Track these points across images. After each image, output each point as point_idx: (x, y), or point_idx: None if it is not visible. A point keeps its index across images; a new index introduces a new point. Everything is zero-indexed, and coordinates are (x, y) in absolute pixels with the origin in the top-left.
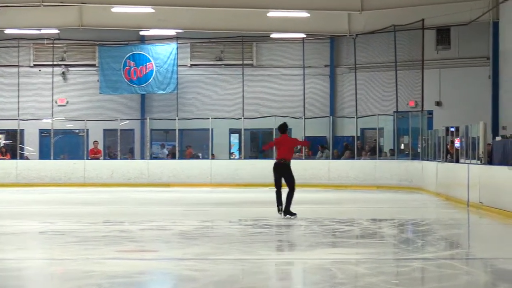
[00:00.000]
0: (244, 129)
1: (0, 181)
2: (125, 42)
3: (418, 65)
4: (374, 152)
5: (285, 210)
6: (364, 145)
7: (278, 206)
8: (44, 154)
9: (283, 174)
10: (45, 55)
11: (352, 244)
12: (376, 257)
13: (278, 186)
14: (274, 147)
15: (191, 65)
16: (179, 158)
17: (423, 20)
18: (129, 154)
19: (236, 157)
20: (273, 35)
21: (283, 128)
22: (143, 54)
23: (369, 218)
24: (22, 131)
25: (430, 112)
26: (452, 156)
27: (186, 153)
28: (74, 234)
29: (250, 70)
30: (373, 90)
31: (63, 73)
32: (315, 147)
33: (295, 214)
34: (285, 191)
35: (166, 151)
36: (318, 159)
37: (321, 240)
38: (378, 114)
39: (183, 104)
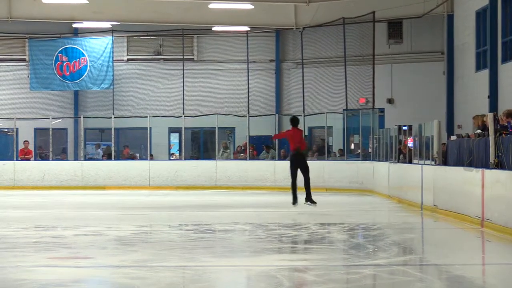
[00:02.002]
0: (185, 128)
1: None
2: (57, 35)
3: (369, 60)
4: (322, 152)
5: (307, 197)
6: (312, 144)
7: (294, 197)
8: None
9: (301, 164)
10: None
11: (299, 250)
12: (325, 263)
13: (294, 177)
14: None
15: (128, 59)
16: (115, 159)
17: (373, 12)
18: (62, 154)
19: (176, 158)
20: (215, 28)
21: (296, 121)
22: (76, 48)
23: (318, 222)
24: None
25: (382, 110)
26: (405, 156)
27: (123, 154)
28: (3, 240)
29: (191, 65)
30: (322, 86)
31: None
32: (259, 147)
33: (315, 203)
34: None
35: (101, 152)
36: (263, 159)
37: (266, 245)
38: (327, 112)
39: (119, 102)
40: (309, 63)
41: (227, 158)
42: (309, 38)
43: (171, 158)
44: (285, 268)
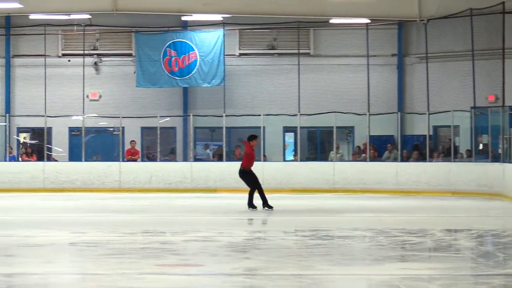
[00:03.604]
0: (301, 127)
1: (26, 185)
2: (165, 29)
3: (499, 54)
4: (448, 153)
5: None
6: (437, 145)
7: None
8: (74, 156)
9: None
10: (75, 44)
11: (424, 258)
12: (451, 272)
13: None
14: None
15: (240, 54)
16: (226, 160)
17: (503, 2)
18: (170, 155)
19: (291, 159)
20: (333, 21)
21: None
22: (185, 42)
23: (443, 229)
24: (49, 129)
25: None
26: None
27: (234, 154)
28: (109, 246)
29: (307, 60)
30: (448, 82)
31: (95, 63)
32: (381, 147)
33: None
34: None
35: (210, 152)
36: (385, 160)
37: (388, 253)
38: (453, 110)
39: (231, 99)
40: (434, 57)
41: (340, 160)
42: (434, 30)
43: (285, 159)
44: (408, 277)
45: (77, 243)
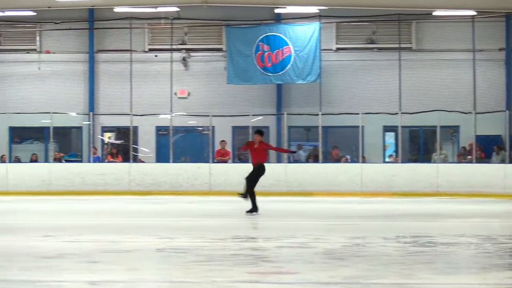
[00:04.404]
0: (402, 127)
1: (110, 188)
2: (258, 22)
3: None
4: None
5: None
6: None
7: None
8: (161, 156)
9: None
10: (163, 38)
11: None
12: None
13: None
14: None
15: (337, 49)
16: (322, 162)
17: None
18: None
19: (392, 160)
20: (437, 13)
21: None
22: (279, 36)
23: None
24: (135, 128)
25: None
26: None
27: (331, 155)
28: (198, 252)
29: (409, 55)
30: None
31: (183, 59)
32: (488, 148)
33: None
34: None
35: (302, 153)
36: (493, 163)
37: (496, 261)
38: None
39: (327, 97)
40: None
41: (444, 161)
42: None
43: (386, 160)
44: None
45: (164, 249)
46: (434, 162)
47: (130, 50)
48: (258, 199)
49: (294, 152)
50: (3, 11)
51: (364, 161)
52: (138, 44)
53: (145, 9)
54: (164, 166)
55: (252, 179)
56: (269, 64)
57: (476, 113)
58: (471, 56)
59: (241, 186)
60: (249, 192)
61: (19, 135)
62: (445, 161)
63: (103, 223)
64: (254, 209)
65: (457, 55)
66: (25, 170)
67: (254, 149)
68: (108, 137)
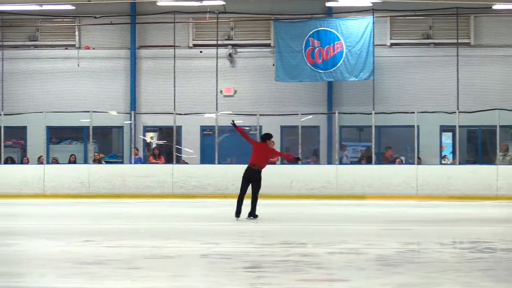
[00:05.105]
0: (459, 126)
1: (152, 190)
2: (308, 16)
3: None
4: None
5: (251, 212)
6: None
7: (237, 210)
8: (206, 157)
9: (255, 179)
10: (208, 33)
11: None
12: None
13: (244, 190)
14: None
15: (391, 44)
16: (376, 163)
17: None
18: (312, 157)
19: (449, 162)
20: (497, 6)
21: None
22: (330, 31)
23: None
24: (179, 128)
25: None
26: None
27: (385, 157)
28: (244, 258)
29: (467, 51)
30: None
31: (229, 55)
32: None
33: (257, 216)
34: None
35: (347, 154)
36: None
37: None
38: None
39: (381, 94)
40: None
41: (509, 163)
42: None
43: (442, 162)
44: None
45: (209, 255)
46: (494, 164)
47: (173, 46)
48: (307, 202)
49: (299, 159)
50: (40, 5)
51: (419, 163)
52: (182, 39)
53: (190, 3)
54: (209, 167)
55: (244, 187)
56: (320, 61)
57: None
58: None
59: (291, 189)
60: (238, 197)
61: (57, 135)
62: (510, 162)
63: (145, 228)
64: (236, 213)
65: None
66: (63, 172)
67: (258, 147)
68: (150, 137)
